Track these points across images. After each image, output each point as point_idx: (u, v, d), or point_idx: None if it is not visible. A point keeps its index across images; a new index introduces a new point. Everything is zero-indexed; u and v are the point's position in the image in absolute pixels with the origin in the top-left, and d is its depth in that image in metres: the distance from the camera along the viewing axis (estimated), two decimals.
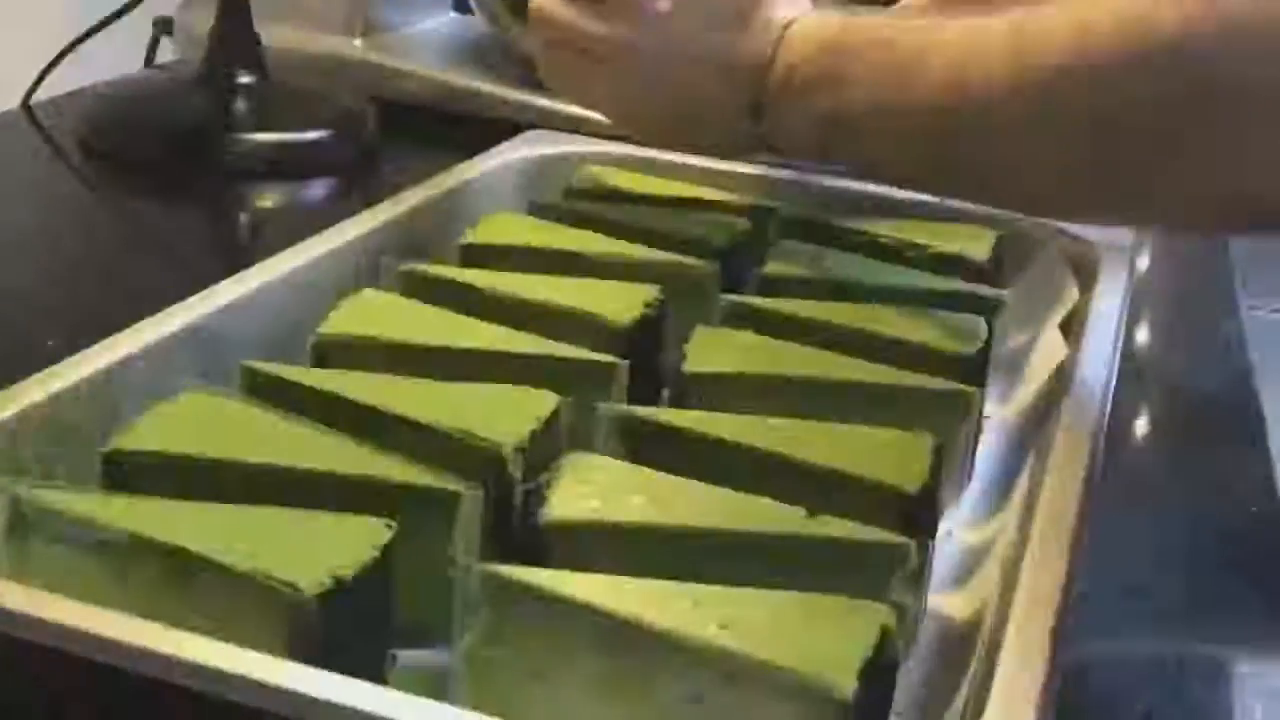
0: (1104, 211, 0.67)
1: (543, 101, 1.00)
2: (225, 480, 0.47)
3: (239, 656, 0.38)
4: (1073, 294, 0.71)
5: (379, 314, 0.59)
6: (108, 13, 1.02)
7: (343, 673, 0.38)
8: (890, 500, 0.49)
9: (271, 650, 0.39)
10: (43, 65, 1.03)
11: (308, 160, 0.96)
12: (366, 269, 0.64)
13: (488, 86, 1.05)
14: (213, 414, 0.50)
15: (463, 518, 0.47)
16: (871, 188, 0.77)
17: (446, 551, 0.47)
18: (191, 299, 0.57)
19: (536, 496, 0.48)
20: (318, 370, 0.56)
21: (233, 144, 0.94)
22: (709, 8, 0.75)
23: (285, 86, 1.00)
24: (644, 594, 0.42)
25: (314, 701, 0.37)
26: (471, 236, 0.69)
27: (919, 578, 0.48)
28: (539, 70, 0.81)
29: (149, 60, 1.15)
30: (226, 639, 0.38)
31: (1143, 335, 0.84)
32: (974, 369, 0.60)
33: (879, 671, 0.41)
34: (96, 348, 0.52)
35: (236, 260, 0.72)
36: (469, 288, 0.63)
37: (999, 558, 0.51)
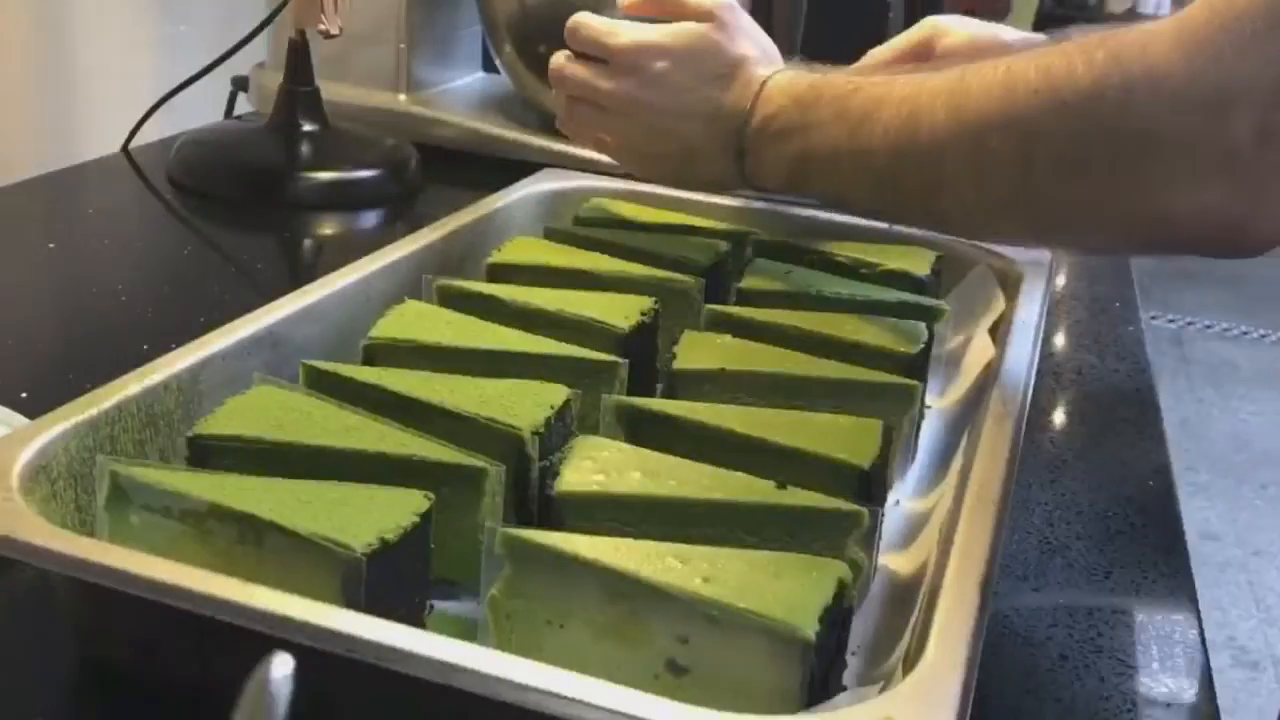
0: (1029, 236, 0.67)
1: (557, 145, 1.00)
2: (290, 459, 0.47)
3: (301, 605, 0.38)
4: (1000, 304, 0.71)
5: (419, 321, 0.59)
6: (193, 72, 1.02)
7: (387, 619, 0.38)
8: (847, 475, 0.49)
9: (328, 600, 0.39)
10: (137, 117, 1.03)
11: (361, 195, 0.96)
12: (409, 284, 0.64)
13: (511, 133, 1.05)
14: (279, 404, 0.50)
15: (489, 490, 0.47)
16: (833, 216, 0.77)
17: (475, 518, 0.47)
18: (261, 309, 0.57)
19: (550, 472, 0.48)
20: (367, 368, 0.56)
21: (298, 182, 0.94)
22: (699, 68, 0.75)
23: (342, 134, 1.00)
24: (640, 553, 0.42)
25: (365, 642, 0.37)
26: (497, 257, 0.69)
27: (871, 539, 0.48)
28: (559, 120, 0.82)
29: (228, 112, 1.15)
30: (290, 591, 0.38)
31: (1059, 339, 0.84)
32: (917, 366, 0.60)
33: (837, 617, 0.41)
34: (182, 350, 0.52)
35: (300, 277, 0.72)
36: (495, 299, 0.62)
37: (938, 523, 0.51)
